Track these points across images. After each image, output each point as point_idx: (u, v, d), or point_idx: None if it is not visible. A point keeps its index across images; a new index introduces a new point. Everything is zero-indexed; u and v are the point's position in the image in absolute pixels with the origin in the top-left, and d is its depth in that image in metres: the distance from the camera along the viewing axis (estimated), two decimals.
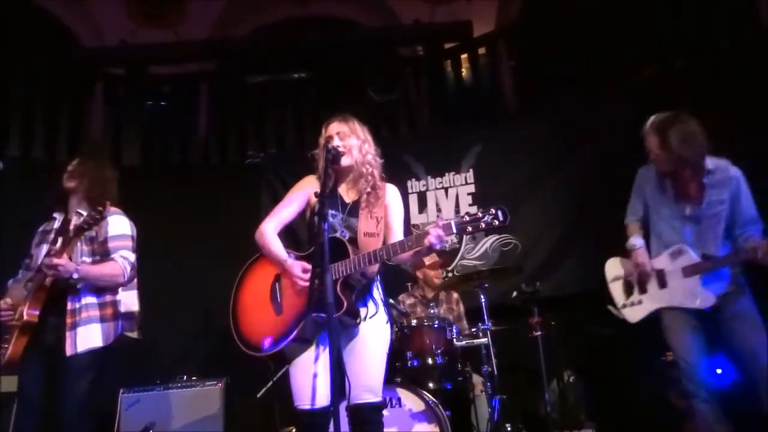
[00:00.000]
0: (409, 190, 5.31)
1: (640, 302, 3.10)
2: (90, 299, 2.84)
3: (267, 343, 2.35)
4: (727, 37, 4.47)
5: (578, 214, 4.76)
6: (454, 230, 2.24)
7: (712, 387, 2.97)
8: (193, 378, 4.17)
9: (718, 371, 3.41)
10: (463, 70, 6.27)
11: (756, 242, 2.85)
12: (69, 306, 2.79)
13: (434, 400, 3.34)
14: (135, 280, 3.05)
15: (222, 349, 4.42)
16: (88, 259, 2.89)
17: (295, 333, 2.29)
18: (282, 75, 6.54)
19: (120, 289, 2.96)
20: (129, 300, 2.96)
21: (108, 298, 2.90)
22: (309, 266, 2.31)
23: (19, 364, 2.77)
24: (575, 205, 4.79)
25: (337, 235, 2.44)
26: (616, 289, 3.22)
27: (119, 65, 6.18)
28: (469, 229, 2.23)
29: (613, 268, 3.29)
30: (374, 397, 2.39)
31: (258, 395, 3.99)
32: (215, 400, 4.01)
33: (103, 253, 2.89)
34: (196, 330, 5.05)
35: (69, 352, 2.73)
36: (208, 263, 5.02)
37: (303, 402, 2.35)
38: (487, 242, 5.07)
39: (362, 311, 2.43)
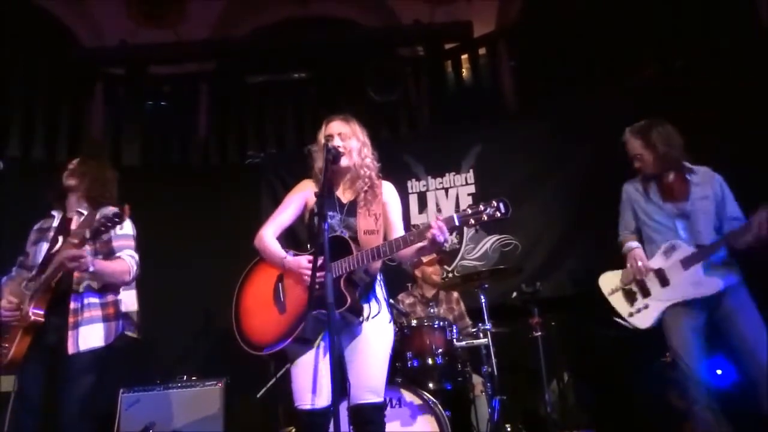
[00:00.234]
0: (409, 191, 5.30)
1: (646, 306, 3.10)
2: (92, 299, 2.85)
3: (271, 341, 2.36)
4: (727, 37, 4.47)
5: (578, 214, 4.76)
6: (457, 223, 2.24)
7: (712, 389, 2.98)
8: (193, 378, 4.17)
9: (718, 372, 3.41)
10: (463, 70, 6.27)
11: (745, 224, 2.92)
12: (71, 305, 2.79)
13: (434, 400, 3.34)
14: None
15: (222, 349, 4.44)
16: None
17: (298, 331, 2.29)
18: (282, 75, 6.54)
19: (120, 289, 2.96)
20: (128, 300, 2.96)
21: (110, 297, 2.91)
22: (311, 258, 2.31)
23: (21, 363, 2.76)
24: (575, 205, 4.78)
25: (338, 233, 2.44)
26: (618, 301, 3.21)
27: (119, 65, 6.18)
28: (472, 221, 2.22)
29: (608, 281, 3.29)
30: (376, 398, 2.38)
31: (258, 395, 3.99)
32: (215, 400, 4.01)
33: (107, 253, 2.89)
34: (196, 330, 5.05)
35: (71, 350, 2.72)
36: (208, 263, 5.03)
37: (303, 402, 2.35)
38: (487, 243, 5.06)
39: (365, 310, 2.43)
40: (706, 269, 3.00)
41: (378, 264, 2.46)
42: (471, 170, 5.23)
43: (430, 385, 3.52)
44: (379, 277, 2.54)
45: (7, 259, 3.12)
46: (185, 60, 6.42)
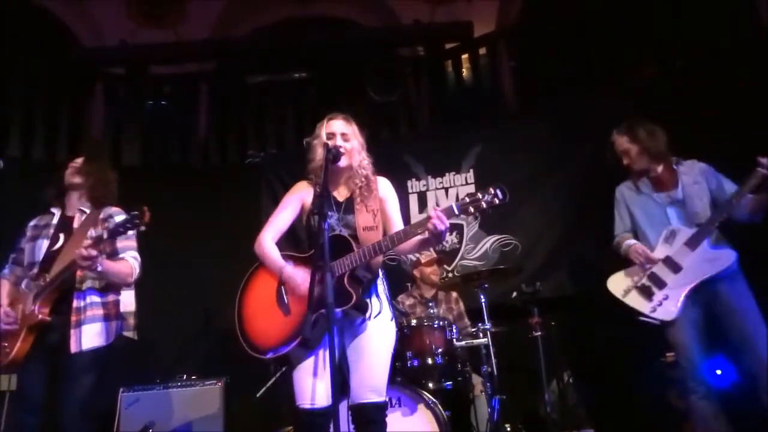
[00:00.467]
0: (409, 190, 5.30)
1: (666, 297, 3.01)
2: (95, 298, 2.85)
3: (276, 343, 2.35)
4: (727, 37, 4.47)
5: (578, 214, 4.75)
6: (456, 211, 2.24)
7: (711, 385, 2.98)
8: (193, 377, 4.17)
9: (718, 372, 3.41)
10: (463, 70, 6.27)
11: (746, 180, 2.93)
12: (74, 304, 2.79)
13: (434, 400, 3.34)
14: None
15: (222, 349, 4.45)
16: None
17: (305, 331, 2.28)
18: (282, 75, 6.54)
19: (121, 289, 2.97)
20: (127, 300, 2.96)
21: (111, 297, 2.91)
22: (307, 274, 2.32)
23: (22, 363, 2.76)
24: (575, 205, 4.78)
25: (338, 232, 2.44)
26: (635, 300, 3.09)
27: (119, 65, 6.18)
28: (471, 209, 2.22)
29: (618, 283, 3.20)
30: (378, 397, 2.38)
31: (258, 395, 3.98)
32: (215, 399, 4.01)
33: (110, 253, 2.89)
34: (196, 330, 5.05)
35: (74, 349, 2.72)
36: (208, 263, 5.03)
37: (304, 401, 2.34)
38: (487, 242, 5.06)
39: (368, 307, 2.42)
40: (713, 243, 3.01)
41: (379, 260, 2.45)
42: (471, 170, 5.23)
43: (430, 384, 3.52)
44: (381, 276, 2.54)
45: (7, 258, 3.11)
46: (185, 60, 6.43)
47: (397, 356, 3.54)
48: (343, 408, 2.37)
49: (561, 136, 4.98)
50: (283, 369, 3.75)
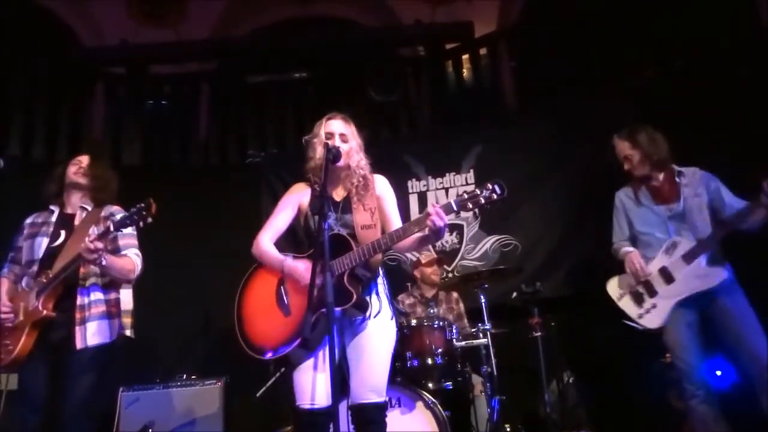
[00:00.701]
0: (410, 190, 5.30)
1: (654, 306, 3.11)
2: (98, 295, 2.86)
3: (277, 344, 2.35)
4: (727, 37, 4.47)
5: (578, 214, 4.76)
6: (455, 208, 2.24)
7: (710, 387, 2.98)
8: (193, 377, 4.17)
9: (718, 373, 3.41)
10: (463, 70, 6.27)
11: (750, 204, 2.93)
12: (79, 300, 2.80)
13: (434, 400, 3.34)
14: None
15: (222, 349, 4.44)
16: None
17: (305, 331, 2.28)
18: (282, 75, 6.55)
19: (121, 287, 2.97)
20: (125, 298, 2.97)
21: (113, 294, 2.92)
22: (307, 263, 2.31)
23: (24, 361, 2.76)
24: (575, 205, 4.78)
25: (336, 231, 2.43)
26: (627, 304, 3.22)
27: (120, 65, 6.18)
28: (470, 205, 2.23)
29: (616, 286, 3.31)
30: (378, 397, 2.38)
31: (257, 394, 3.99)
32: (215, 399, 4.01)
33: (113, 250, 2.89)
34: (196, 329, 5.05)
35: (79, 345, 2.73)
36: (208, 263, 5.03)
37: (304, 401, 2.34)
38: (487, 243, 5.06)
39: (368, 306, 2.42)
40: (709, 260, 3.03)
41: (379, 258, 2.45)
42: (471, 170, 5.23)
43: (430, 384, 3.52)
44: (381, 275, 2.53)
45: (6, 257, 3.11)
46: (186, 60, 6.43)
47: (397, 356, 3.54)
48: (343, 408, 2.37)
49: (561, 136, 4.99)
50: (283, 369, 3.75)
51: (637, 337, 3.18)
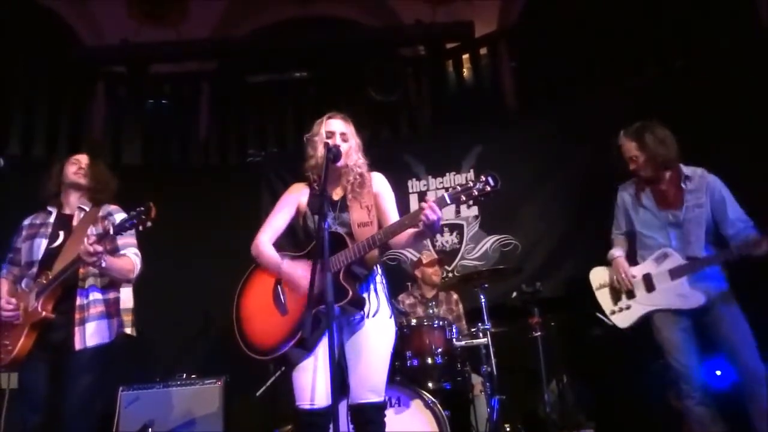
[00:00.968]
0: (410, 190, 5.30)
1: (628, 307, 3.16)
2: (97, 295, 2.86)
3: (275, 343, 2.35)
4: (727, 37, 4.47)
5: (578, 214, 4.76)
6: (448, 201, 2.24)
7: (707, 388, 2.98)
8: (193, 376, 4.17)
9: (718, 373, 3.41)
10: (464, 70, 6.27)
11: (757, 237, 2.89)
12: (78, 301, 2.80)
13: (433, 399, 3.34)
14: None
15: (222, 348, 4.44)
16: None
17: (303, 330, 2.28)
18: (282, 75, 6.54)
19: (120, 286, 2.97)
20: (125, 297, 2.97)
21: (112, 294, 2.92)
22: (305, 269, 2.31)
23: (24, 361, 2.76)
24: (575, 205, 4.79)
25: (333, 230, 2.43)
26: (603, 297, 3.28)
27: (120, 64, 6.17)
28: (463, 197, 2.22)
29: (598, 276, 3.36)
30: (377, 397, 2.38)
31: (257, 394, 3.99)
32: (215, 398, 4.01)
33: (112, 250, 2.89)
34: (196, 329, 5.04)
35: (78, 346, 2.73)
36: (208, 263, 5.03)
37: (303, 401, 2.34)
38: (487, 242, 5.06)
39: (366, 305, 2.41)
40: (692, 283, 3.01)
41: (375, 254, 2.45)
42: (471, 170, 5.23)
43: (430, 384, 3.52)
44: (380, 274, 2.53)
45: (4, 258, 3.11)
46: (186, 59, 6.42)
47: (397, 356, 3.54)
48: (342, 408, 2.37)
49: (561, 136, 4.99)
50: (283, 368, 3.75)
51: (638, 336, 3.19)
